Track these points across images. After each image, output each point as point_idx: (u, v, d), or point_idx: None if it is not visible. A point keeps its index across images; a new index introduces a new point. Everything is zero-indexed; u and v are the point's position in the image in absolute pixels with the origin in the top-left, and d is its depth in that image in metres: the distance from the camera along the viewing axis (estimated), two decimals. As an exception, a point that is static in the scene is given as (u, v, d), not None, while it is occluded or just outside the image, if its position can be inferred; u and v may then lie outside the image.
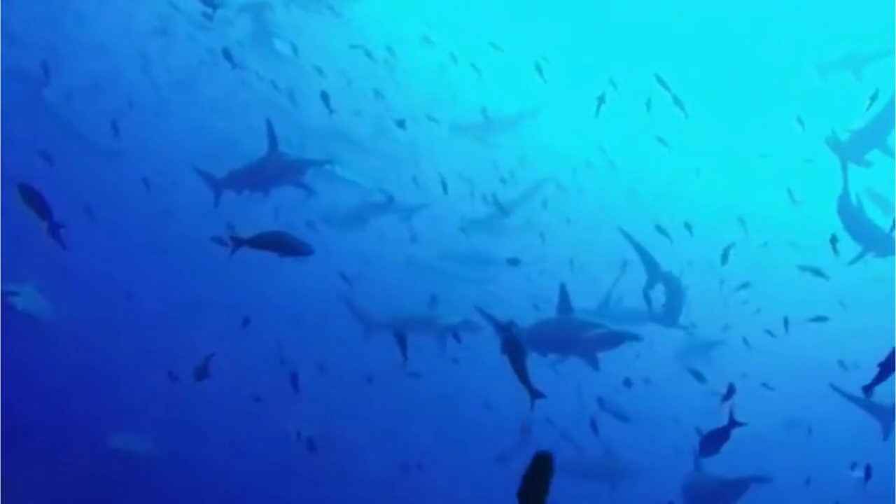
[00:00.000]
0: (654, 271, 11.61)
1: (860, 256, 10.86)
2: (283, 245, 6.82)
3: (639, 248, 11.75)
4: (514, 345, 5.79)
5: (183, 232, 15.94)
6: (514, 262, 10.91)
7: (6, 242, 12.28)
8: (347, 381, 15.35)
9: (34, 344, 13.25)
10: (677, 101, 10.65)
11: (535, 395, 6.18)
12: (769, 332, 12.69)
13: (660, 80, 10.58)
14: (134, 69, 18.80)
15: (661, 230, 11.99)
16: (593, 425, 9.10)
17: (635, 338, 9.46)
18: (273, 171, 10.16)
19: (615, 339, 9.37)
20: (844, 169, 10.84)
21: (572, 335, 9.40)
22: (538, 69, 13.11)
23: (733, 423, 7.46)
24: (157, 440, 13.86)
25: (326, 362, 14.50)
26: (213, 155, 19.37)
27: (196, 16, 14.80)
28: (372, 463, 14.68)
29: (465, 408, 17.78)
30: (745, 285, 13.62)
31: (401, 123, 10.09)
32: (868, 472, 7.73)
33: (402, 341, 6.76)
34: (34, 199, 6.73)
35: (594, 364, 9.47)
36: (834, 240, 9.85)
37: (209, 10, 10.46)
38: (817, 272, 10.95)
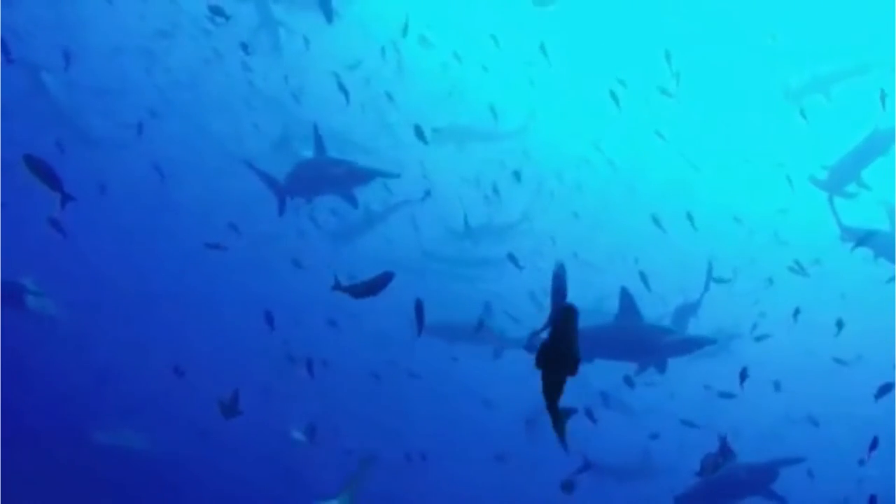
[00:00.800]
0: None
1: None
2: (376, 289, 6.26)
3: (709, 278, 12.53)
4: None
5: (185, 230, 16.00)
6: (513, 260, 10.91)
7: (6, 238, 12.30)
8: (350, 378, 15.39)
9: (35, 340, 13.30)
10: (664, 91, 10.79)
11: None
12: (758, 338, 12.75)
13: (668, 56, 10.73)
14: (138, 69, 18.84)
15: (657, 223, 12.19)
16: (590, 415, 9.02)
17: (712, 342, 9.33)
18: (337, 177, 9.48)
19: (692, 345, 9.22)
20: (832, 204, 11.55)
21: (648, 342, 9.15)
22: (542, 50, 12.90)
23: (724, 452, 7.47)
24: (162, 438, 13.91)
25: (330, 361, 14.52)
26: (217, 154, 19.43)
27: (200, 17, 14.81)
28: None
29: (464, 406, 17.82)
30: (769, 281, 13.73)
31: (419, 134, 9.80)
32: (874, 445, 7.66)
33: (419, 314, 6.49)
34: (42, 170, 6.26)
35: (662, 369, 9.25)
36: (866, 236, 10.11)
37: (216, 16, 10.32)
38: (802, 270, 11.10)
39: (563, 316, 2.76)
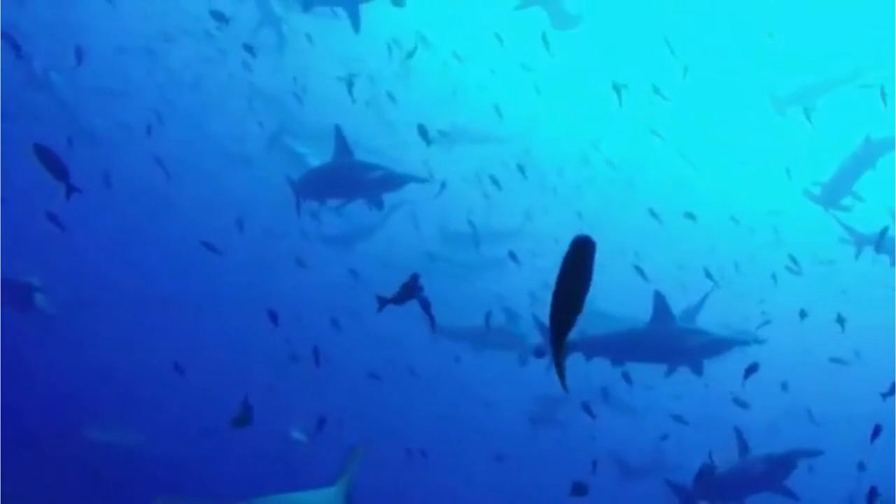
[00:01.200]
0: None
1: None
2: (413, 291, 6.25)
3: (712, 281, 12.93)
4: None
5: (187, 229, 16.01)
6: (513, 257, 10.98)
7: (6, 236, 12.31)
8: (352, 377, 15.41)
9: (34, 339, 13.30)
10: (657, 91, 10.89)
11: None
12: (756, 341, 12.79)
13: (668, 44, 10.79)
14: (140, 69, 18.90)
15: (654, 216, 12.25)
16: (587, 409, 9.04)
17: (745, 342, 9.39)
18: (371, 182, 9.33)
19: (724, 346, 9.24)
20: (831, 214, 11.95)
21: (679, 343, 9.17)
22: (544, 41, 12.84)
23: (712, 466, 7.83)
24: (163, 437, 13.92)
25: (332, 359, 14.55)
26: (219, 154, 19.40)
27: (202, 18, 14.86)
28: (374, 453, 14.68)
29: (465, 406, 17.85)
30: (773, 279, 13.82)
31: (423, 134, 9.75)
32: (876, 432, 7.66)
33: (426, 307, 6.49)
34: (50, 160, 6.27)
35: (699, 370, 9.24)
36: (879, 239, 10.26)
37: (219, 21, 10.36)
38: (796, 269, 11.20)
39: (577, 248, 2.66)
